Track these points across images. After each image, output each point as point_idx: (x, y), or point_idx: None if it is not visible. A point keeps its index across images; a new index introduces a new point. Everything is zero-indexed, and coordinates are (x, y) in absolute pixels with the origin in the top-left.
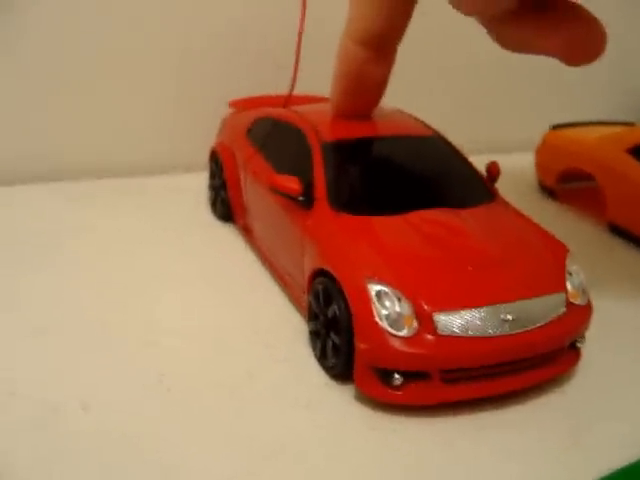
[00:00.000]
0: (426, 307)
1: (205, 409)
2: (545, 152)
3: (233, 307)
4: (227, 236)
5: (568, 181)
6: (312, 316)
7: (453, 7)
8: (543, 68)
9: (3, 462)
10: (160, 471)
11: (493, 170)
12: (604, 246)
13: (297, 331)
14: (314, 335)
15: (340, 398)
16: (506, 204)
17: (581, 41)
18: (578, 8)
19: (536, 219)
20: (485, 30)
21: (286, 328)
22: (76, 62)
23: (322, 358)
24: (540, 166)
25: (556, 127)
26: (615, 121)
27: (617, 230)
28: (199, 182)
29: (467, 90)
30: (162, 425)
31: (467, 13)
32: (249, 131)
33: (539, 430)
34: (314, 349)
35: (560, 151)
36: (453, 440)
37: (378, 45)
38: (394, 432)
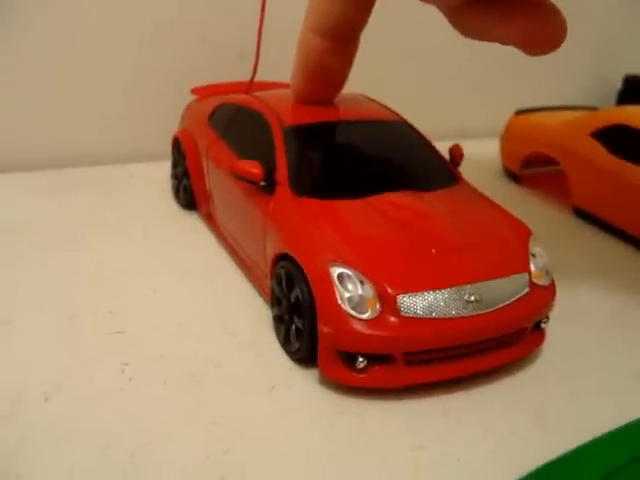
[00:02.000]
0: (389, 289)
1: (169, 397)
2: (509, 137)
3: (197, 295)
4: (190, 224)
5: (532, 166)
6: (275, 301)
7: None
8: (509, 53)
9: None
10: (124, 460)
11: (456, 153)
12: (569, 230)
13: (261, 316)
14: (277, 320)
15: (304, 382)
16: (469, 187)
17: (539, 31)
18: None
19: (501, 204)
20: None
21: (250, 314)
22: (37, 53)
23: (286, 343)
24: (505, 151)
25: (520, 112)
26: (578, 105)
27: (581, 214)
28: (162, 171)
29: (432, 75)
30: (126, 414)
31: (426, 0)
32: (211, 118)
33: (503, 410)
34: (278, 334)
35: (524, 136)
36: (418, 423)
37: (337, 35)
38: (358, 416)
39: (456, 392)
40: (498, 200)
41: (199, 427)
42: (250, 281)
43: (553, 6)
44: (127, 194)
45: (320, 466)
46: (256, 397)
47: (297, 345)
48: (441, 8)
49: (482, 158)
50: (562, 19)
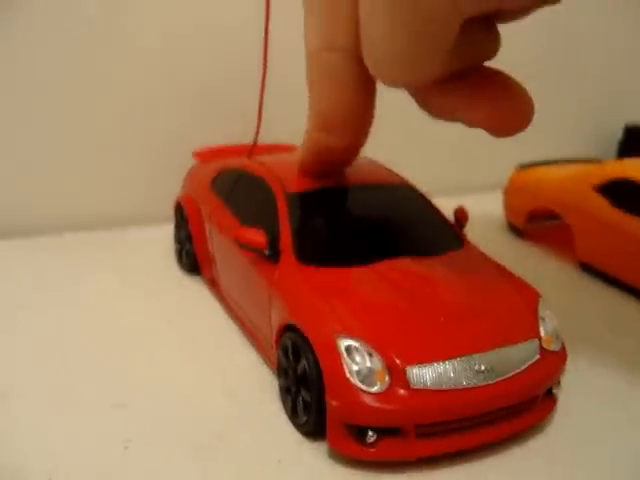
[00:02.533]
0: (398, 361)
1: (174, 473)
2: (512, 192)
3: (200, 363)
4: (194, 289)
5: (536, 221)
6: (282, 372)
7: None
8: None
9: None
10: None
11: (461, 216)
12: (574, 285)
13: (267, 387)
14: (284, 391)
15: (313, 456)
16: (475, 250)
17: (504, 117)
18: (504, 78)
19: (505, 259)
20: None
21: (255, 384)
22: (39, 115)
23: (293, 415)
24: (508, 206)
25: (522, 167)
26: (581, 158)
27: (587, 268)
28: (165, 234)
29: (433, 131)
30: None
31: (388, 85)
32: (213, 182)
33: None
34: (285, 405)
35: (527, 191)
36: None
37: (342, 132)
38: None
39: (465, 463)
40: (502, 255)
41: None
42: (255, 349)
43: (520, 89)
44: (127, 258)
45: None
46: (263, 471)
47: (305, 418)
48: (408, 90)
49: (484, 213)
50: (528, 102)
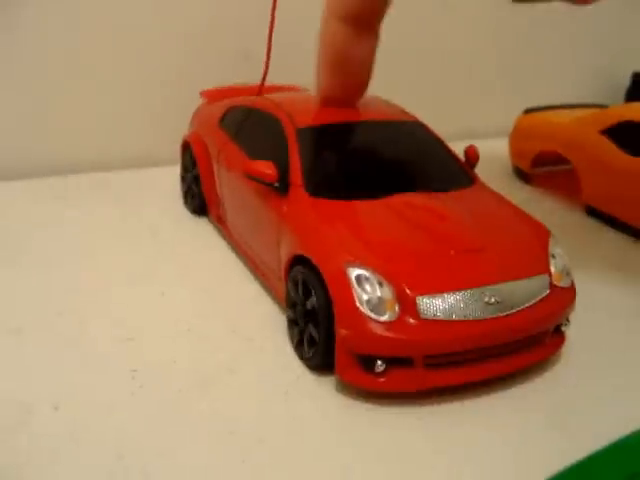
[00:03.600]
0: (408, 291)
1: (180, 405)
2: (518, 136)
3: (207, 299)
4: (200, 228)
5: (542, 165)
6: (290, 304)
7: None
8: (518, 52)
9: None
10: (138, 470)
11: (472, 154)
12: (581, 229)
13: (274, 320)
14: (292, 323)
15: (320, 387)
16: (486, 188)
17: None
18: None
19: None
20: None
21: (262, 318)
22: (45, 58)
23: (299, 347)
24: (514, 151)
25: (529, 111)
26: (587, 103)
27: (593, 212)
28: (170, 176)
29: (441, 76)
30: (138, 423)
31: None
32: (222, 120)
33: (523, 413)
34: (291, 338)
35: (533, 135)
36: (435, 427)
37: (360, 21)
38: (374, 421)
39: (471, 395)
40: (509, 199)
41: (214, 436)
42: (262, 284)
43: None
44: (134, 199)
45: (337, 473)
46: (270, 404)
47: (313, 351)
48: None
49: (491, 158)
50: None
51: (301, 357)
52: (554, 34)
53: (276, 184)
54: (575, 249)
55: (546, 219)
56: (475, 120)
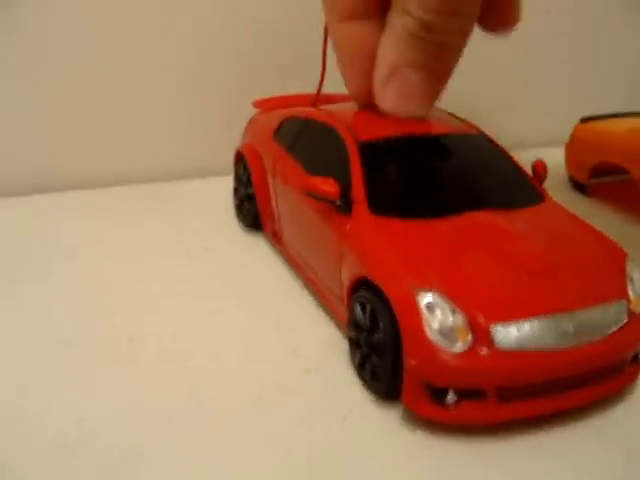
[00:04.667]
0: (482, 318)
1: (237, 426)
2: (575, 146)
3: (263, 317)
4: (254, 243)
5: (600, 175)
6: (353, 326)
7: None
8: (572, 59)
9: None
10: None
11: (540, 169)
12: None
13: (333, 341)
14: (354, 345)
15: (381, 413)
16: (557, 205)
17: None
18: None
19: None
20: None
21: (320, 339)
22: (93, 69)
23: (361, 370)
24: (570, 161)
25: (585, 120)
26: None
27: None
28: (222, 187)
29: (495, 83)
30: (194, 443)
31: None
32: (277, 132)
33: (595, 447)
34: (353, 359)
35: (590, 145)
36: (503, 461)
37: (359, 13)
38: (439, 450)
39: (543, 428)
40: (582, 219)
41: (271, 457)
42: (320, 305)
43: None
44: (185, 212)
45: None
46: (329, 427)
47: (375, 380)
48: None
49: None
50: None
51: (363, 380)
52: (610, 40)
53: (338, 202)
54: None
55: (606, 231)
56: (529, 129)
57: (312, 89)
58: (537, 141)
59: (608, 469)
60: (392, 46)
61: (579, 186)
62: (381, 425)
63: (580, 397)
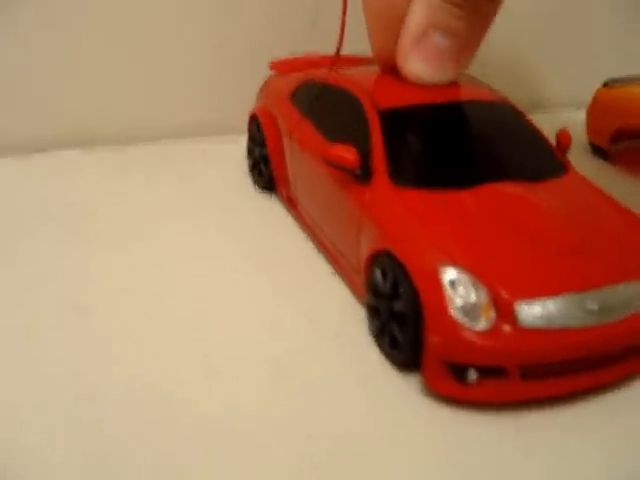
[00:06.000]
0: (505, 295)
1: (253, 393)
2: (597, 111)
3: (278, 282)
4: (268, 206)
5: (621, 140)
6: (372, 291)
7: None
8: (594, 19)
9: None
10: (210, 458)
11: (564, 139)
12: None
13: (348, 308)
14: (372, 311)
15: (399, 378)
16: (581, 177)
17: None
18: None
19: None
20: None
21: (337, 306)
22: (109, 24)
23: (379, 337)
24: (591, 125)
25: (609, 83)
26: None
27: None
28: (235, 146)
29: (511, 41)
30: (210, 412)
31: None
32: (293, 95)
33: (623, 425)
34: (370, 327)
35: (613, 109)
36: (523, 433)
37: None
38: (460, 420)
39: (567, 404)
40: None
41: (288, 423)
42: (336, 273)
43: None
44: (198, 171)
45: (423, 474)
46: (344, 394)
47: (394, 350)
48: None
49: None
50: None
51: (381, 348)
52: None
53: (357, 171)
54: None
55: (627, 200)
56: (548, 89)
57: (330, 50)
58: (555, 102)
59: (632, 447)
60: (423, 8)
61: (599, 151)
62: (400, 392)
63: (604, 375)
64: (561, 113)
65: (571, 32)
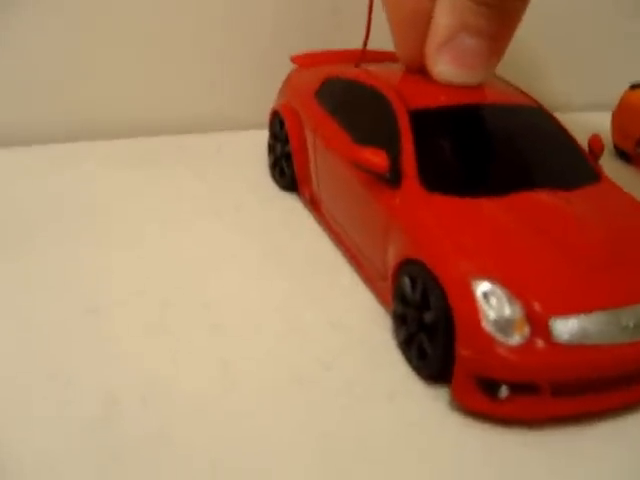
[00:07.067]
0: (540, 310)
1: (274, 403)
2: (623, 113)
3: (299, 287)
4: (289, 206)
5: None
6: (400, 299)
7: None
8: (618, 21)
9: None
10: (227, 473)
11: (596, 145)
12: None
13: (375, 313)
14: (399, 320)
15: (426, 389)
16: (614, 185)
17: None
18: None
19: None
20: None
21: (362, 313)
22: (124, 14)
23: (405, 347)
24: (617, 128)
25: (636, 86)
26: None
27: None
28: (255, 141)
29: (537, 41)
30: (228, 422)
31: None
32: (318, 92)
33: None
34: (397, 335)
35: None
36: (552, 455)
37: None
38: (486, 437)
39: (597, 421)
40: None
41: (309, 439)
42: (361, 279)
43: None
44: (216, 167)
45: None
46: (372, 407)
47: (422, 363)
48: None
49: (589, 134)
50: None
51: (407, 359)
52: None
53: (387, 175)
54: None
55: None
56: (573, 91)
57: (351, 40)
58: (580, 104)
59: None
60: (450, 10)
61: (624, 155)
62: (427, 405)
63: (636, 393)
64: (583, 116)
65: (594, 34)
